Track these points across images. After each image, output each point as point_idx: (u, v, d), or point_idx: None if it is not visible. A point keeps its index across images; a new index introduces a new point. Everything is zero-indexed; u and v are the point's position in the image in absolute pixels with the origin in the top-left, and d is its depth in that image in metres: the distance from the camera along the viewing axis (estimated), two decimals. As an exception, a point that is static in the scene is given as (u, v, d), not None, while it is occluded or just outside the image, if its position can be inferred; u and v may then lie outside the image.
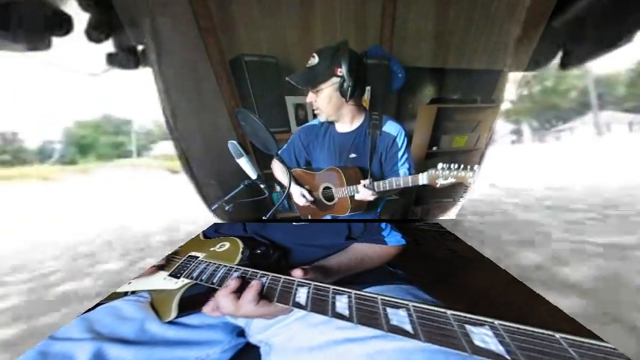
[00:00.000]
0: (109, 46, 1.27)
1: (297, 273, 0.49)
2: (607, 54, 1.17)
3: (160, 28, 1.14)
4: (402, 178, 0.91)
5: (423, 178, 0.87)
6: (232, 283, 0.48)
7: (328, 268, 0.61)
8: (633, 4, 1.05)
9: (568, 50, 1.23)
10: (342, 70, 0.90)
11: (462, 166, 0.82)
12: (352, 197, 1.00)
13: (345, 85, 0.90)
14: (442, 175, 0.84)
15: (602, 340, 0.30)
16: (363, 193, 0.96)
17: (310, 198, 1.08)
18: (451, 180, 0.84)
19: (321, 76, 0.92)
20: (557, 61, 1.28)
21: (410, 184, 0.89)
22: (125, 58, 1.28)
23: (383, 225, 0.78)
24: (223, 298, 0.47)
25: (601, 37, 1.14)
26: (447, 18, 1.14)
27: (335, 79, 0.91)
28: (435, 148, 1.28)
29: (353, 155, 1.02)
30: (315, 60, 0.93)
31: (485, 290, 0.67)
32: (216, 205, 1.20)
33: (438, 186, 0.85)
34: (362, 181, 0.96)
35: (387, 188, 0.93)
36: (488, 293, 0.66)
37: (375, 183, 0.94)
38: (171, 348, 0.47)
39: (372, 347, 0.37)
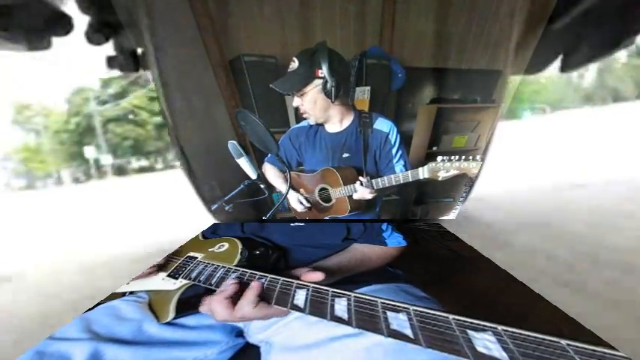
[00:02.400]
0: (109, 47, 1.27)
1: (314, 276, 0.49)
2: (607, 56, 1.17)
3: (160, 29, 1.14)
4: (402, 174, 0.89)
5: (423, 172, 0.85)
6: (228, 288, 0.48)
7: (328, 268, 0.61)
8: (634, 5, 1.04)
9: (568, 52, 1.23)
10: (323, 71, 0.89)
11: (463, 157, 0.81)
12: (350, 197, 0.99)
13: (329, 85, 0.90)
14: (443, 167, 0.82)
15: (611, 347, 0.29)
16: (361, 191, 0.95)
17: (307, 204, 1.07)
18: (453, 172, 0.82)
19: (302, 79, 0.92)
20: (557, 63, 1.27)
21: (410, 179, 0.87)
22: (125, 60, 1.28)
23: (384, 226, 0.78)
24: (218, 304, 0.47)
25: (601, 39, 1.14)
26: (447, 18, 1.14)
27: (317, 81, 0.91)
28: (434, 148, 1.27)
29: (346, 155, 1.02)
30: (295, 64, 0.93)
31: (485, 290, 0.67)
32: (216, 205, 1.20)
33: (440, 179, 0.83)
34: (360, 178, 0.95)
35: (387, 185, 0.91)
36: (489, 293, 0.65)
37: (374, 180, 0.93)
38: (169, 348, 0.47)
39: (369, 341, 0.38)
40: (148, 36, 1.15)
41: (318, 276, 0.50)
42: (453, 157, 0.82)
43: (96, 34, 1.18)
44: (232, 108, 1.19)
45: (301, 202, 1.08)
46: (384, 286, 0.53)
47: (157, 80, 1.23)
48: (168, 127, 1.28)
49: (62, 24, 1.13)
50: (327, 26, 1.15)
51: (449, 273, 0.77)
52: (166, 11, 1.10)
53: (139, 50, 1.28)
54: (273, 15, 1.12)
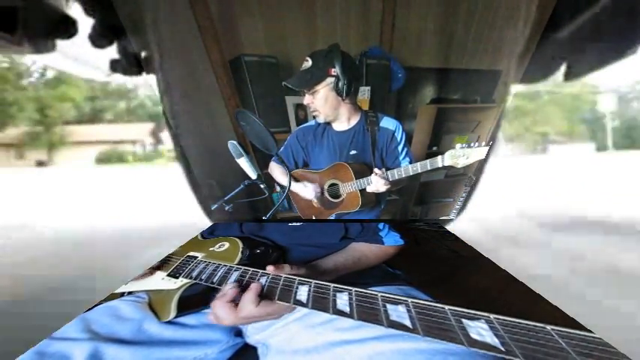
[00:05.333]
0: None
1: (280, 270, 0.51)
2: (611, 65, 1.16)
3: (161, 30, 1.14)
4: (420, 164, 0.87)
5: (443, 160, 0.83)
6: (228, 292, 0.49)
7: (325, 267, 0.61)
8: (637, 14, 1.04)
9: (572, 61, 1.22)
10: (336, 70, 0.93)
11: (477, 143, 0.80)
12: (362, 191, 0.99)
13: (340, 84, 0.93)
14: (464, 154, 0.81)
15: (588, 330, 0.32)
16: (376, 183, 0.93)
17: (312, 186, 1.06)
18: (475, 158, 0.81)
19: (315, 77, 0.95)
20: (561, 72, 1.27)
21: (429, 168, 0.86)
22: (128, 64, 1.29)
23: (380, 225, 0.79)
24: (221, 309, 0.47)
25: (605, 48, 1.13)
26: (448, 18, 1.14)
27: (330, 79, 0.95)
28: (435, 148, 1.27)
29: (353, 152, 1.03)
30: (308, 63, 0.96)
31: (485, 290, 0.67)
32: (216, 205, 1.20)
33: (460, 166, 0.83)
34: (375, 170, 0.94)
35: (403, 175, 0.90)
36: (489, 293, 0.65)
37: (389, 172, 0.92)
38: (169, 348, 0.47)
39: (371, 349, 0.37)
40: (153, 38, 1.16)
41: (286, 269, 0.52)
42: (472, 144, 0.80)
43: (99, 37, 1.19)
44: (232, 108, 1.20)
45: (306, 186, 1.07)
46: (385, 288, 0.53)
47: (160, 81, 1.23)
48: (168, 127, 1.29)
49: (66, 27, 1.14)
50: (328, 26, 1.15)
51: (449, 273, 0.77)
52: (168, 12, 1.11)
53: (143, 54, 1.28)
54: (274, 15, 1.12)
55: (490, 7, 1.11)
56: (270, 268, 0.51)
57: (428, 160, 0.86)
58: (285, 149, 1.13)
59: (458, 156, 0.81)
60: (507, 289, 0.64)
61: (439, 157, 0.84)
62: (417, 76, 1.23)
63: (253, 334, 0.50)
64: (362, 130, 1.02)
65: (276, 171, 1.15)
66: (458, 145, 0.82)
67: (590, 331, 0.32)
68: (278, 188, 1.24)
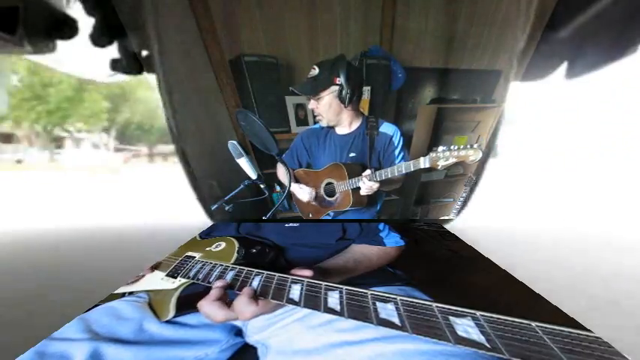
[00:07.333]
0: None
1: (305, 273, 0.51)
2: (611, 63, 1.16)
3: (161, 30, 1.14)
4: (404, 164, 0.94)
5: (425, 162, 0.90)
6: (212, 292, 0.50)
7: (324, 270, 0.61)
8: (638, 14, 1.04)
9: (573, 60, 1.22)
10: (341, 79, 0.99)
11: (456, 146, 0.86)
12: (354, 190, 1.04)
13: (344, 92, 0.99)
14: (443, 156, 0.88)
15: (585, 329, 0.33)
16: (367, 183, 0.99)
17: (308, 189, 1.12)
18: (452, 160, 0.87)
19: (321, 84, 1.01)
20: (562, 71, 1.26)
21: (412, 169, 0.93)
22: (128, 63, 1.29)
23: (380, 226, 0.79)
24: (208, 307, 0.48)
25: (605, 47, 1.13)
26: (447, 18, 1.14)
27: (334, 87, 1.01)
28: (434, 149, 1.27)
29: (352, 154, 1.07)
30: (315, 71, 1.03)
31: (485, 290, 0.66)
32: (216, 205, 1.20)
33: (439, 168, 0.89)
34: (367, 170, 1.00)
35: (389, 176, 0.96)
36: (489, 293, 0.65)
37: (377, 172, 0.98)
38: (170, 347, 0.47)
39: (372, 350, 0.37)
40: (154, 38, 1.16)
41: (308, 272, 0.53)
42: (452, 147, 0.87)
43: (100, 37, 1.19)
44: (232, 108, 1.20)
45: (301, 188, 1.13)
46: (386, 288, 0.53)
47: (161, 82, 1.23)
48: (169, 127, 1.29)
49: (67, 28, 1.14)
50: (328, 26, 1.15)
51: (449, 273, 0.77)
52: (168, 13, 1.11)
53: (143, 53, 1.29)
54: (274, 15, 1.12)
55: (490, 7, 1.11)
56: (306, 272, 0.53)
57: (412, 162, 0.92)
58: (290, 150, 1.16)
59: (438, 158, 0.88)
60: (507, 289, 0.64)
61: (421, 159, 0.91)
62: (417, 76, 1.23)
63: (253, 334, 0.50)
64: (362, 134, 1.07)
65: (281, 172, 1.18)
66: (440, 148, 0.88)
67: (586, 329, 0.32)
68: (278, 188, 1.24)
